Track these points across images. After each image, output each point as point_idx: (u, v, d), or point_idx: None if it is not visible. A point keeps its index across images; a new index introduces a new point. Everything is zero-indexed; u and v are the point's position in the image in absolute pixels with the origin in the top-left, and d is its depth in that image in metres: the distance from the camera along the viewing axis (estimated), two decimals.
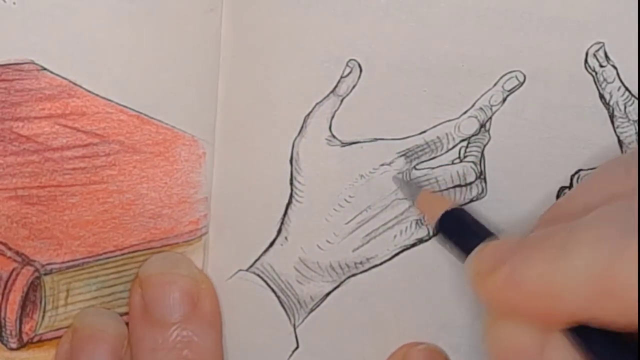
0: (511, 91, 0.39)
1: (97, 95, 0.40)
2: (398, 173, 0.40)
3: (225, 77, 0.41)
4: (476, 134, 0.40)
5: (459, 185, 0.41)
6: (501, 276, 0.33)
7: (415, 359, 0.41)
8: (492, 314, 0.34)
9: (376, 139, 0.40)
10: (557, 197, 0.40)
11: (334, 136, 0.41)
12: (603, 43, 0.38)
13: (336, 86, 0.40)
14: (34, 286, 0.41)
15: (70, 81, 0.40)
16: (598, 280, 0.31)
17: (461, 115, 0.40)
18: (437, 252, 0.41)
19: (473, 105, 0.40)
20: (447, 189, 0.41)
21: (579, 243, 0.31)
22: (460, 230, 0.38)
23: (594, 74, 0.39)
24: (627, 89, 0.39)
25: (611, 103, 0.39)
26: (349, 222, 0.41)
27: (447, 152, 0.40)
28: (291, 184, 0.41)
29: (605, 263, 0.31)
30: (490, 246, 0.35)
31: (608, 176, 0.35)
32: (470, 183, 0.40)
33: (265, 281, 0.42)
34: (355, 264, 0.42)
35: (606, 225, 0.31)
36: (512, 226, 0.40)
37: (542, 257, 0.32)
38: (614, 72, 0.39)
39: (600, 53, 0.38)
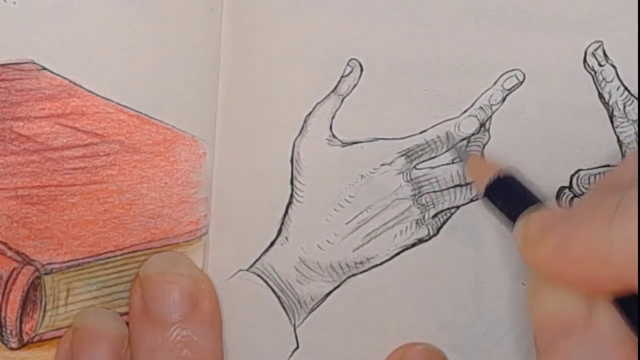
0: (511, 90, 0.39)
1: (97, 95, 0.40)
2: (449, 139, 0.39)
3: (225, 77, 0.41)
4: (476, 133, 0.40)
5: (459, 185, 0.41)
6: (551, 242, 0.33)
7: (413, 359, 0.42)
8: (539, 280, 0.35)
9: (377, 139, 0.40)
10: (557, 196, 0.40)
11: (334, 136, 0.41)
12: (602, 42, 0.38)
13: (337, 86, 0.40)
14: (35, 286, 0.41)
15: (71, 81, 0.40)
16: None
17: (461, 115, 0.40)
18: (437, 252, 0.41)
19: (473, 105, 0.40)
20: (447, 188, 0.41)
21: (630, 211, 0.32)
22: (509, 196, 0.37)
23: (593, 73, 0.39)
24: (626, 88, 0.39)
25: (610, 102, 0.39)
26: (349, 222, 0.41)
27: (447, 151, 0.40)
28: (292, 183, 0.42)
29: None
30: (539, 213, 0.35)
31: None
32: (471, 182, 0.41)
33: (265, 281, 0.42)
34: (356, 263, 0.42)
35: None
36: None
37: (594, 223, 0.32)
38: (613, 71, 0.39)
39: (599, 52, 0.39)
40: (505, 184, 0.38)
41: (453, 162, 0.41)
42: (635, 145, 0.39)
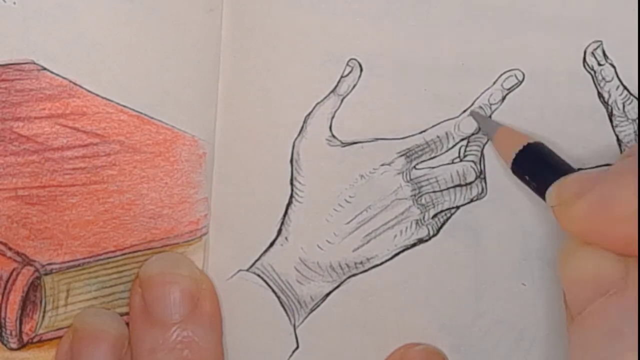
0: (510, 90, 0.39)
1: (97, 95, 0.40)
2: (474, 112, 0.39)
3: (225, 77, 0.42)
4: (476, 133, 0.40)
5: (459, 185, 0.41)
6: (587, 203, 0.33)
7: (413, 359, 0.42)
8: (573, 243, 0.34)
9: (376, 139, 0.40)
10: None
11: (334, 136, 0.41)
12: (601, 41, 0.39)
13: (336, 86, 0.40)
14: (34, 286, 0.41)
15: (71, 81, 0.40)
16: None
17: (461, 114, 0.40)
18: (437, 252, 0.41)
19: (473, 104, 0.40)
20: (447, 188, 0.41)
21: None
22: (539, 165, 0.37)
23: (592, 72, 0.39)
24: (625, 87, 0.39)
25: (610, 102, 0.39)
26: (349, 222, 0.41)
27: (447, 151, 0.40)
28: (291, 184, 0.42)
29: None
30: (574, 176, 0.35)
31: None
32: (470, 182, 0.41)
33: (265, 281, 0.42)
34: (356, 264, 0.42)
35: None
36: (512, 226, 0.40)
37: (632, 183, 0.32)
38: (612, 70, 0.39)
39: (599, 51, 0.39)
40: (535, 154, 0.38)
41: (453, 162, 0.41)
42: (634, 144, 0.39)
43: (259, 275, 0.42)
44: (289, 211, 0.42)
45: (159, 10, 0.40)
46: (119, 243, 0.42)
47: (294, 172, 0.41)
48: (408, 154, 0.41)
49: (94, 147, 0.41)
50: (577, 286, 0.34)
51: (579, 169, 0.38)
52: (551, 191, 0.36)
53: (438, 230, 0.41)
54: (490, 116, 0.40)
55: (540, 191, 0.37)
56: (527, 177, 0.38)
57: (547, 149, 0.38)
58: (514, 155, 0.38)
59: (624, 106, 0.39)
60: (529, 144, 0.38)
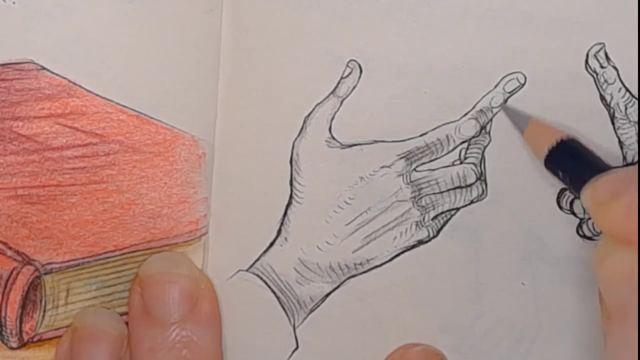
0: (512, 93, 0.39)
1: (96, 95, 0.40)
2: (505, 106, 0.39)
3: (225, 77, 0.41)
4: (477, 136, 0.40)
5: (459, 187, 0.41)
6: (622, 205, 0.34)
7: None
8: (610, 242, 0.34)
9: (376, 141, 0.40)
10: (558, 199, 0.40)
11: (333, 138, 0.41)
12: (603, 44, 0.38)
13: (336, 87, 0.40)
14: (34, 285, 0.41)
15: (70, 81, 0.40)
16: None
17: (462, 117, 0.40)
18: (437, 254, 0.41)
19: (474, 107, 0.40)
20: (447, 190, 0.41)
21: None
22: (573, 161, 0.37)
23: (594, 75, 0.39)
24: (627, 90, 0.39)
25: (612, 104, 0.39)
26: (348, 223, 0.41)
27: (447, 153, 0.40)
28: (291, 184, 0.41)
29: None
30: (609, 175, 0.35)
31: None
32: (471, 185, 0.40)
33: (265, 281, 0.42)
34: (355, 265, 0.42)
35: None
36: (512, 227, 0.40)
37: None
38: (615, 73, 0.39)
39: (601, 54, 0.38)
40: (569, 149, 0.37)
41: (453, 164, 0.40)
42: (636, 146, 0.39)
43: (258, 276, 0.43)
44: (289, 212, 0.42)
45: (159, 10, 0.40)
46: (119, 243, 0.42)
47: (294, 172, 0.41)
48: (408, 157, 0.40)
49: (93, 147, 0.41)
50: (614, 285, 0.34)
51: (615, 167, 0.38)
52: (586, 191, 0.35)
53: (438, 232, 0.41)
54: (490, 120, 0.40)
55: (575, 187, 0.37)
56: (560, 173, 0.37)
57: (581, 145, 0.38)
58: (547, 151, 0.38)
59: (626, 108, 0.39)
60: (562, 140, 0.38)
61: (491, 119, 0.40)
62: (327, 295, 0.42)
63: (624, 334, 0.33)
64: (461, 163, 0.40)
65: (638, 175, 0.34)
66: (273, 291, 0.42)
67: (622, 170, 0.36)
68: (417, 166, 0.40)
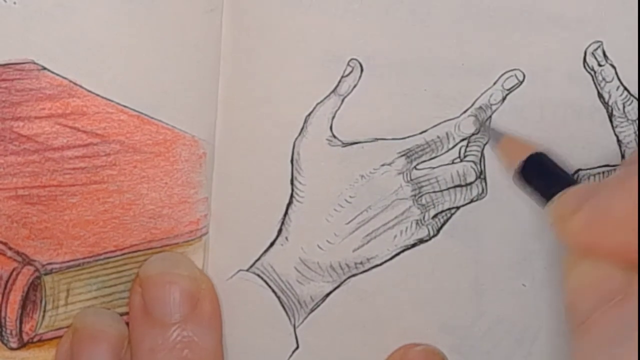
0: (511, 90, 0.39)
1: (97, 95, 0.40)
2: (476, 121, 0.39)
3: (225, 77, 0.42)
4: (476, 133, 0.40)
5: (459, 185, 0.41)
6: (584, 215, 0.34)
7: None
8: (574, 255, 0.35)
9: (377, 139, 0.40)
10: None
11: (334, 136, 0.41)
12: (601, 42, 0.39)
13: (337, 86, 0.40)
14: (34, 286, 0.41)
15: (71, 81, 0.40)
16: None
17: (461, 115, 0.40)
18: (437, 253, 0.41)
19: (473, 105, 0.40)
20: (448, 188, 0.41)
21: None
22: (542, 176, 0.38)
23: (592, 73, 0.39)
24: (625, 88, 0.39)
25: (610, 102, 0.39)
26: (349, 222, 0.41)
27: (447, 151, 0.40)
28: (292, 184, 0.42)
29: None
30: (570, 190, 0.35)
31: None
32: (471, 183, 0.41)
33: (265, 281, 0.42)
34: (356, 264, 0.42)
35: None
36: (512, 227, 0.40)
37: (623, 193, 0.33)
38: (613, 71, 0.39)
39: (599, 52, 0.39)
40: (537, 165, 0.38)
41: (453, 162, 0.41)
42: (635, 145, 0.39)
43: (259, 275, 0.42)
44: (289, 211, 0.42)
45: (159, 10, 0.40)
46: (119, 243, 0.42)
47: (295, 172, 0.41)
48: (408, 154, 0.41)
49: (94, 147, 0.41)
50: (580, 296, 0.34)
51: (580, 180, 0.38)
52: (549, 207, 0.36)
53: (438, 231, 0.41)
54: (490, 117, 0.40)
55: (541, 203, 0.37)
56: (529, 189, 0.38)
57: (549, 160, 0.38)
58: (517, 166, 0.38)
59: (624, 107, 0.39)
60: (530, 155, 0.38)
61: (490, 117, 0.40)
62: (328, 294, 0.42)
63: (588, 346, 0.33)
64: (461, 161, 0.40)
65: (638, 175, 0.34)
66: (273, 291, 0.42)
67: (584, 184, 0.36)
68: (417, 164, 0.41)
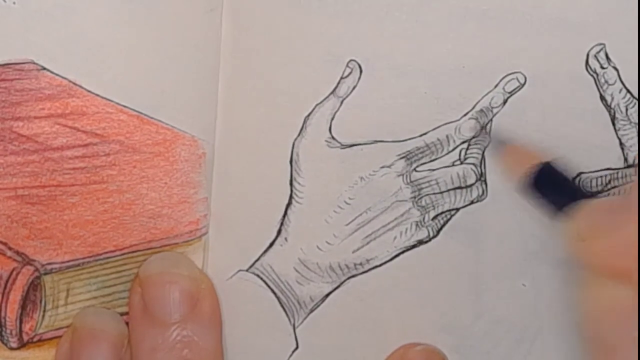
0: (512, 93, 0.39)
1: (97, 95, 0.40)
2: (489, 131, 0.39)
3: (225, 77, 0.41)
4: (477, 136, 0.40)
5: (460, 187, 0.40)
6: (606, 239, 0.33)
7: None
8: (593, 274, 0.34)
9: (376, 141, 0.40)
10: None
11: (333, 138, 0.41)
12: (604, 44, 0.38)
13: (336, 87, 0.40)
14: (34, 286, 0.41)
15: (70, 81, 0.40)
16: None
17: (462, 117, 0.40)
18: (437, 254, 0.41)
19: (474, 107, 0.39)
20: (447, 190, 0.41)
21: None
22: (552, 186, 0.37)
23: (595, 75, 0.39)
24: (628, 90, 0.39)
25: (612, 105, 0.39)
26: (348, 223, 0.41)
27: (447, 154, 0.40)
28: (291, 184, 0.41)
29: None
30: (589, 207, 0.35)
31: None
32: (471, 185, 0.40)
33: (265, 282, 0.42)
34: (355, 265, 0.42)
35: None
36: (512, 228, 0.40)
37: None
38: (615, 73, 0.39)
39: (601, 54, 0.38)
40: (548, 173, 0.37)
41: (453, 165, 0.40)
42: (637, 147, 0.39)
43: (258, 276, 0.43)
44: (289, 212, 0.42)
45: (159, 10, 0.40)
46: (119, 243, 0.42)
47: (294, 172, 0.41)
48: (408, 157, 0.40)
49: (93, 147, 0.41)
50: (600, 318, 0.34)
51: (581, 183, 0.38)
52: (569, 226, 0.35)
53: (438, 232, 0.41)
54: (490, 120, 0.40)
55: (550, 214, 0.37)
56: (535, 201, 0.38)
57: (558, 170, 0.38)
58: (524, 175, 0.38)
59: (626, 109, 0.39)
60: (540, 165, 0.37)
61: (491, 119, 0.40)
62: (327, 295, 0.42)
63: None
64: (461, 163, 0.40)
65: (638, 183, 0.34)
66: (273, 291, 0.42)
67: (606, 200, 0.36)
68: (417, 166, 0.40)
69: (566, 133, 0.39)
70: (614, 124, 0.39)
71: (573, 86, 0.39)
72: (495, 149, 0.39)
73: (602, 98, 0.39)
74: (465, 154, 0.40)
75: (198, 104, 0.41)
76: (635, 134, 0.39)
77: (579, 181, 0.40)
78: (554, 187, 0.37)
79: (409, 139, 0.40)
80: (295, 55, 0.40)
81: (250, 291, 0.43)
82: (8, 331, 0.41)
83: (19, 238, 0.41)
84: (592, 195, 0.37)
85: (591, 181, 0.40)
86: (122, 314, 0.43)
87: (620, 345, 0.33)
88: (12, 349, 0.42)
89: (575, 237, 0.35)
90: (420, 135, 0.40)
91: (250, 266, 0.43)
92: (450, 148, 0.40)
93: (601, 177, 0.39)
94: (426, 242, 0.41)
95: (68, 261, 0.41)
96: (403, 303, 0.42)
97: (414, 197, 0.41)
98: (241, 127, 0.42)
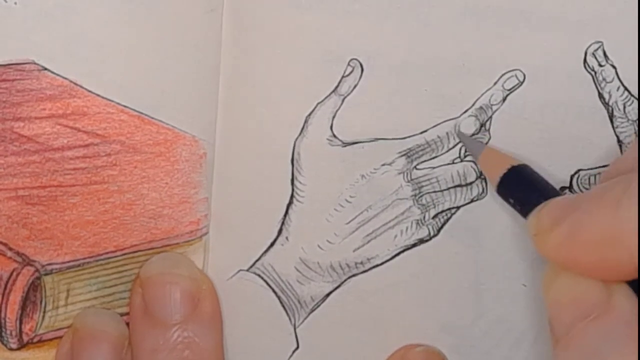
0: (511, 90, 0.39)
1: (98, 95, 0.40)
2: (459, 132, 0.40)
3: (226, 77, 0.42)
4: (476, 133, 0.40)
5: (460, 185, 0.41)
6: (562, 231, 0.34)
7: None
8: (554, 269, 0.35)
9: (377, 139, 0.40)
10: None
11: (335, 136, 0.41)
12: (602, 42, 0.39)
13: (337, 86, 0.40)
14: (35, 286, 0.41)
15: (71, 81, 0.40)
16: None
17: (461, 115, 0.40)
18: (438, 253, 0.41)
19: (473, 105, 0.40)
20: (448, 188, 0.41)
21: (634, 193, 0.32)
22: (522, 188, 0.38)
23: (593, 73, 0.39)
24: (626, 88, 0.39)
25: (610, 103, 0.39)
26: (349, 222, 0.41)
27: (447, 151, 0.40)
28: (292, 183, 0.42)
29: None
30: (549, 204, 0.35)
31: None
32: (471, 183, 0.41)
33: (265, 281, 0.42)
34: (356, 264, 0.42)
35: None
36: (512, 226, 0.40)
37: (600, 208, 0.33)
38: (613, 71, 0.39)
39: (599, 52, 0.39)
40: (519, 177, 0.38)
41: (454, 162, 0.41)
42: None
43: (259, 275, 0.42)
44: (290, 211, 0.42)
45: (159, 10, 0.40)
46: (119, 243, 0.42)
47: (295, 171, 0.41)
48: (409, 154, 0.41)
49: (94, 147, 0.41)
50: (560, 310, 0.34)
51: (563, 190, 0.38)
52: (529, 221, 0.36)
53: (438, 231, 0.41)
54: (490, 118, 0.40)
55: (523, 215, 0.37)
56: (511, 200, 0.38)
57: (531, 172, 0.38)
58: (499, 178, 0.38)
59: (624, 107, 0.39)
60: (513, 167, 0.38)
61: (491, 117, 0.40)
62: (328, 294, 0.42)
63: (568, 358, 0.33)
64: (461, 161, 0.40)
65: (638, 179, 0.34)
66: (274, 291, 0.42)
67: (564, 197, 0.36)
68: (417, 164, 0.41)
69: (564, 130, 0.39)
70: (612, 122, 0.39)
71: (571, 84, 0.39)
72: (473, 153, 0.40)
73: (600, 96, 0.39)
74: (466, 151, 0.40)
75: (198, 104, 0.42)
76: (633, 131, 0.39)
77: (577, 178, 0.40)
78: (525, 189, 0.38)
79: (410, 136, 0.40)
80: (296, 55, 0.40)
81: (251, 291, 0.43)
82: (8, 332, 0.41)
83: (20, 238, 0.41)
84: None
85: (589, 178, 0.40)
86: (122, 315, 0.42)
87: (574, 337, 0.33)
88: (12, 349, 0.42)
89: (536, 231, 0.35)
90: (421, 133, 0.40)
91: (251, 266, 0.43)
92: (451, 145, 0.40)
93: (599, 174, 0.40)
94: (427, 240, 0.41)
95: (68, 262, 0.41)
96: (403, 302, 0.42)
97: (415, 195, 0.41)
98: (242, 126, 0.42)
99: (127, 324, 0.42)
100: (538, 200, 0.36)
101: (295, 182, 0.41)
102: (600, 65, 0.39)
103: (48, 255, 0.41)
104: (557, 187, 0.40)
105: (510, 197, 0.38)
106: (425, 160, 0.41)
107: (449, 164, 0.41)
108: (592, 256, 0.33)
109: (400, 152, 0.40)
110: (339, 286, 0.42)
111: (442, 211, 0.41)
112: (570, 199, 0.35)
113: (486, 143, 0.40)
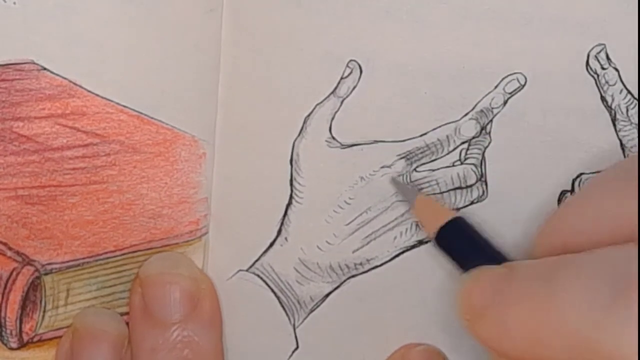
0: (512, 93, 0.39)
1: (97, 95, 0.40)
2: (398, 175, 0.40)
3: (225, 77, 0.41)
4: (477, 137, 0.40)
5: (460, 188, 0.40)
6: (490, 321, 0.33)
7: None
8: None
9: (376, 141, 0.40)
10: (559, 200, 0.40)
11: (333, 138, 0.41)
12: (604, 45, 0.38)
13: (336, 87, 0.40)
14: (34, 286, 0.41)
15: (71, 81, 0.40)
16: (583, 337, 0.30)
17: (462, 118, 0.40)
18: (438, 254, 0.41)
19: (474, 108, 0.39)
20: (448, 191, 0.41)
21: (565, 292, 0.30)
22: (457, 244, 0.37)
23: (595, 76, 0.38)
24: (629, 91, 0.39)
25: (613, 106, 0.39)
26: (349, 223, 0.41)
27: (447, 154, 0.40)
28: (291, 184, 0.41)
29: (591, 322, 0.30)
30: (478, 280, 0.34)
31: (605, 193, 0.34)
32: (471, 185, 0.40)
33: (265, 281, 0.42)
34: (355, 265, 0.42)
35: (597, 276, 0.30)
36: (512, 230, 0.40)
37: (529, 303, 0.31)
38: (616, 74, 0.38)
39: (602, 55, 0.38)
40: (455, 231, 0.38)
41: (453, 165, 0.40)
42: (636, 149, 0.39)
43: (258, 276, 0.42)
44: (289, 212, 0.42)
45: (159, 10, 0.40)
46: (119, 243, 0.42)
47: (294, 172, 0.41)
48: (408, 157, 0.40)
49: (94, 147, 0.41)
50: None
51: (564, 194, 0.38)
52: (459, 302, 0.34)
53: (435, 241, 0.41)
54: (491, 121, 0.39)
55: (460, 270, 0.37)
56: (449, 255, 0.38)
57: (468, 225, 0.38)
58: (437, 229, 0.38)
59: (627, 110, 0.39)
60: (451, 220, 0.38)
61: (492, 120, 0.39)
62: (327, 295, 0.42)
63: None
64: (461, 164, 0.40)
65: (638, 176, 0.34)
66: (273, 291, 0.42)
67: (493, 270, 0.34)
68: (417, 166, 0.40)
69: (566, 133, 0.39)
70: (614, 125, 0.39)
71: (573, 87, 0.39)
72: (406, 200, 0.39)
73: (603, 99, 0.39)
74: (466, 154, 0.40)
75: (198, 104, 0.41)
76: (636, 134, 0.39)
77: (579, 182, 0.40)
78: (459, 245, 0.37)
79: (409, 139, 0.40)
80: (296, 55, 0.40)
81: (251, 291, 0.43)
82: (8, 331, 0.41)
83: (19, 238, 0.41)
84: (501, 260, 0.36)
85: None
86: (122, 314, 0.43)
87: None
88: (12, 349, 0.42)
89: (464, 315, 0.34)
90: (421, 136, 0.40)
91: (251, 266, 0.43)
92: (451, 148, 0.40)
93: None
94: (426, 242, 0.41)
95: (68, 261, 0.41)
96: (403, 303, 0.42)
97: None
98: (241, 127, 0.42)
99: (127, 323, 0.42)
100: (473, 258, 0.36)
101: (295, 183, 0.41)
102: (603, 68, 0.38)
103: (48, 255, 0.41)
104: (559, 190, 0.40)
105: (446, 250, 0.38)
106: (425, 163, 0.40)
107: (449, 166, 0.40)
108: (519, 351, 0.32)
109: (399, 155, 0.40)
110: (338, 287, 0.42)
111: None
112: (499, 277, 0.33)
113: (487, 147, 0.40)
